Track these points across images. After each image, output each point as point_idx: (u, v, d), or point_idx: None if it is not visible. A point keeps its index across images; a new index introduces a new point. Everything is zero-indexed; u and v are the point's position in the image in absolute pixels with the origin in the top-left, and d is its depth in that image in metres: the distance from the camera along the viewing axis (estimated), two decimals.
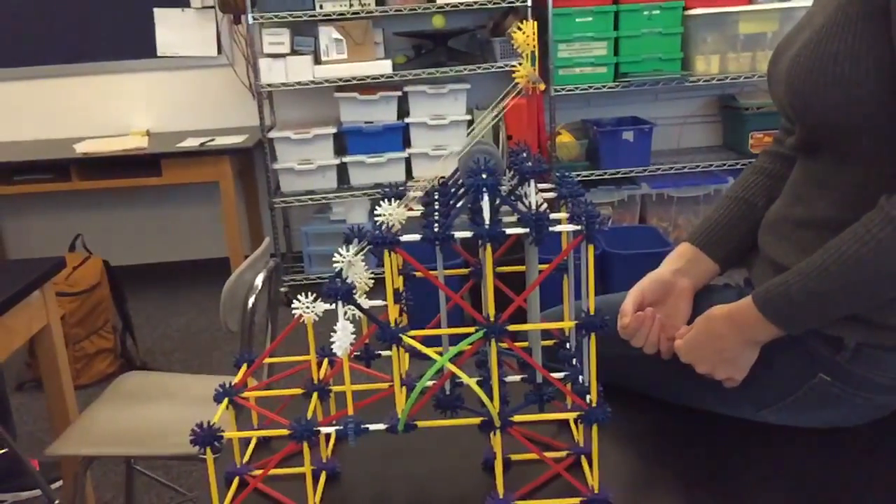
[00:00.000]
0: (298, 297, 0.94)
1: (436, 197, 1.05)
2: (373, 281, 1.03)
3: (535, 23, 1.06)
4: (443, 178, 1.11)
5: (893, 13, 0.96)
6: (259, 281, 1.92)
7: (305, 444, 0.93)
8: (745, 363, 1.09)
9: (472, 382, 0.92)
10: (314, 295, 0.94)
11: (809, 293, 1.01)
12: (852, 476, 1.04)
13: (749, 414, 1.14)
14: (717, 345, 1.08)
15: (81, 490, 1.99)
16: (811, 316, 1.03)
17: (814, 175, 1.11)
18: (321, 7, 3.64)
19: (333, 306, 0.91)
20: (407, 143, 3.89)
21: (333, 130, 3.82)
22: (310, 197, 3.86)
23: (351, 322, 0.90)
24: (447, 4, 3.68)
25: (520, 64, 1.03)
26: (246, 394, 1.04)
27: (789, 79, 1.06)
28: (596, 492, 0.96)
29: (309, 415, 0.97)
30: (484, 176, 0.89)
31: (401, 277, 1.14)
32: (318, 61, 3.75)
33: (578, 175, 3.85)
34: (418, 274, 1.07)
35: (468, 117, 3.84)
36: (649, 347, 1.15)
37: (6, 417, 2.48)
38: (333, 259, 0.92)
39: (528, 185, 0.97)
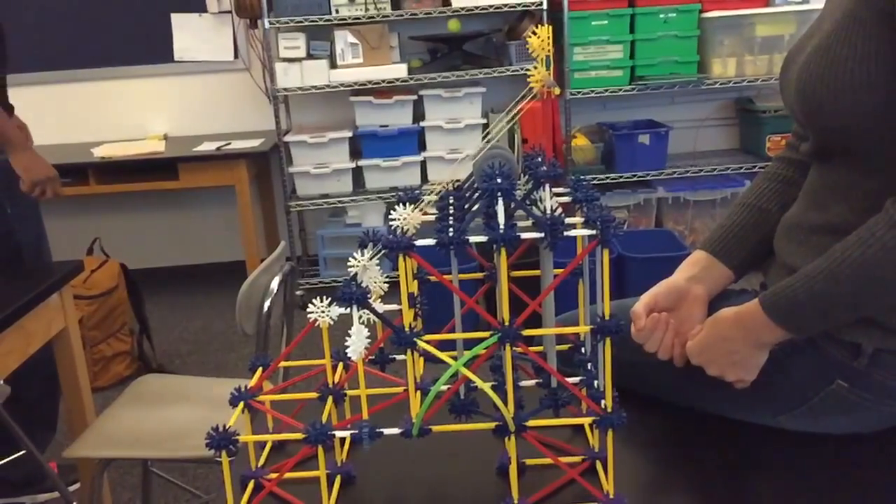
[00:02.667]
0: (314, 300, 0.94)
1: (451, 201, 1.05)
2: (387, 285, 1.03)
3: (551, 26, 1.05)
4: (458, 181, 1.11)
5: None
6: (275, 284, 1.93)
7: (320, 448, 0.93)
8: (754, 365, 1.09)
9: (486, 387, 0.92)
10: (329, 299, 0.95)
11: (815, 296, 1.00)
12: (870, 482, 1.03)
13: (766, 420, 1.14)
14: (725, 347, 1.08)
15: (98, 492, 2.01)
16: (817, 319, 1.03)
17: (829, 180, 1.10)
18: (337, 11, 3.65)
19: (348, 310, 0.91)
20: (422, 146, 3.89)
21: (349, 134, 3.84)
22: (325, 200, 3.87)
23: (366, 326, 0.90)
24: (462, 8, 3.68)
25: (535, 68, 1.03)
26: (261, 397, 1.04)
27: (800, 85, 1.06)
28: (611, 497, 0.96)
29: (324, 419, 0.97)
30: (499, 180, 0.89)
31: (415, 281, 1.14)
32: (333, 65, 3.76)
33: (594, 178, 3.84)
34: (433, 278, 1.07)
35: (483, 121, 3.84)
36: (663, 352, 1.15)
37: (53, 416, 2.50)
38: (348, 263, 0.92)
39: (543, 190, 0.97)
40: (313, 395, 1.08)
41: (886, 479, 1.04)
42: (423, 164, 3.90)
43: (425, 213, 1.01)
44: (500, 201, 0.90)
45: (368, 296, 0.91)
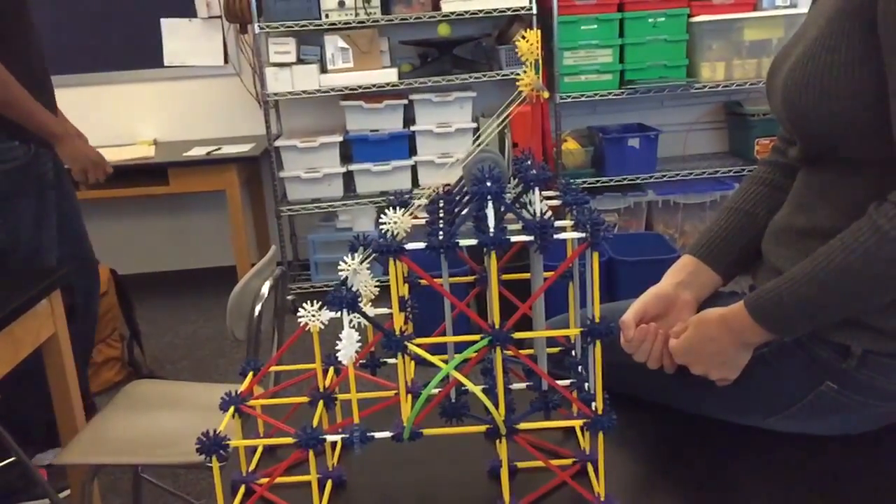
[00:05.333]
0: (304, 305, 0.94)
1: (441, 205, 1.06)
2: (378, 289, 1.03)
3: (540, 30, 1.06)
4: (448, 185, 1.11)
5: (881, 27, 0.97)
6: (265, 289, 1.92)
7: (311, 453, 0.93)
8: (738, 364, 1.10)
9: (477, 390, 0.92)
10: (320, 303, 0.95)
11: (799, 299, 1.02)
12: (860, 483, 1.04)
13: (757, 421, 1.14)
14: (711, 347, 1.09)
15: (89, 498, 2.00)
16: (801, 321, 1.04)
17: (816, 185, 1.11)
18: (327, 16, 3.65)
19: (339, 314, 0.91)
20: (413, 150, 3.89)
21: (339, 139, 3.83)
22: (316, 205, 3.86)
23: (356, 330, 0.90)
24: (453, 13, 3.69)
25: (524, 72, 1.03)
26: (252, 402, 1.04)
27: (786, 92, 1.07)
28: (602, 499, 0.96)
29: (315, 423, 0.97)
30: (489, 184, 0.90)
31: (406, 285, 1.14)
32: (324, 70, 3.76)
33: (584, 182, 3.85)
34: (423, 282, 1.08)
35: (474, 125, 3.85)
36: (652, 362, 1.15)
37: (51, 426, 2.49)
38: (339, 267, 0.92)
39: (533, 193, 0.98)
40: (304, 399, 1.08)
41: (876, 480, 1.04)
42: (414, 168, 3.90)
43: (416, 217, 1.01)
44: (490, 205, 0.90)
45: (359, 300, 0.91)
